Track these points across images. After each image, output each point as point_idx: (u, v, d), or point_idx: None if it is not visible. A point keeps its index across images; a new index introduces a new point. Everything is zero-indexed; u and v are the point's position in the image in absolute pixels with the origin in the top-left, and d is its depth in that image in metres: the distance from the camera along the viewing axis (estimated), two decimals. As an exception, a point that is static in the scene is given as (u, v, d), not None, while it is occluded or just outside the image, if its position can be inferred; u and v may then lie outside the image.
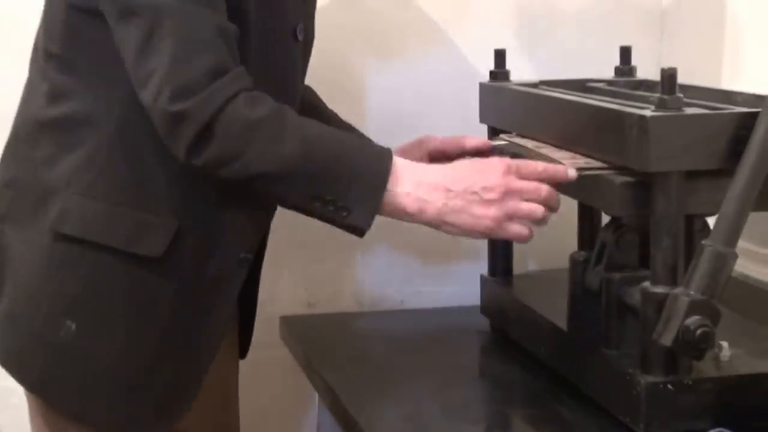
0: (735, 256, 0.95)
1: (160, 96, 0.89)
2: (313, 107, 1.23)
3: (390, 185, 0.96)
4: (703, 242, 0.95)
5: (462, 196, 0.98)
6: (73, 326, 1.03)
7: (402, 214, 0.99)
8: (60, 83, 1.00)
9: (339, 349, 1.36)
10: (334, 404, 1.21)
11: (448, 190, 0.98)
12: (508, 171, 0.99)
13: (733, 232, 0.95)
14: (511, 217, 0.99)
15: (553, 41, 1.49)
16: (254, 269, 1.18)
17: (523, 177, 1.00)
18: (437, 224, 1.00)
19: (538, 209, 1.00)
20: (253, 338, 1.29)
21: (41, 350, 1.05)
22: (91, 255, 1.02)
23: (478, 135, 1.26)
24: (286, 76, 1.09)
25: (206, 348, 1.10)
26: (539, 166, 1.02)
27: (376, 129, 1.35)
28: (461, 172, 1.02)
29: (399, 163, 0.99)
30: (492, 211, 0.98)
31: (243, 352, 1.25)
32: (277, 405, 1.56)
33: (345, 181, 0.95)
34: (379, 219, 1.02)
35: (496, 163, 1.01)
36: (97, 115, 0.99)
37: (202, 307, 1.08)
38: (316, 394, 1.37)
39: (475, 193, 0.97)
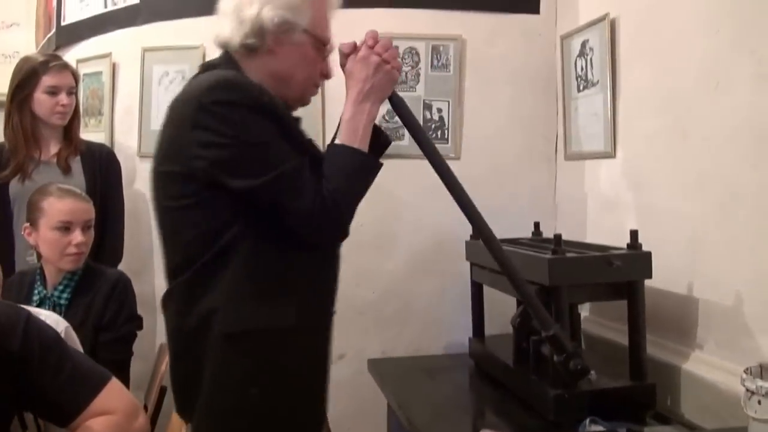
0: (559, 328, 1.30)
1: None
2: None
3: (358, 141, 1.21)
4: (543, 333, 1.32)
5: (372, 77, 1.23)
6: (257, 391, 1.16)
7: (368, 118, 1.23)
8: None
9: (398, 376, 1.77)
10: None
11: (364, 80, 1.23)
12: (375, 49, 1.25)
13: (545, 320, 1.32)
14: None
15: (497, 223, 1.47)
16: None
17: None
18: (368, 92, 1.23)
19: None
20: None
21: (243, 416, 1.16)
22: (248, 340, 1.15)
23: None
24: None
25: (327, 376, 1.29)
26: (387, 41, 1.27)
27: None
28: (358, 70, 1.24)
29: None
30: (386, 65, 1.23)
31: None
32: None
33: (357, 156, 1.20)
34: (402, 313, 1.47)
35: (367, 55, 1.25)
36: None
37: (324, 352, 1.27)
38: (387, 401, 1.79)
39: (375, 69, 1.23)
